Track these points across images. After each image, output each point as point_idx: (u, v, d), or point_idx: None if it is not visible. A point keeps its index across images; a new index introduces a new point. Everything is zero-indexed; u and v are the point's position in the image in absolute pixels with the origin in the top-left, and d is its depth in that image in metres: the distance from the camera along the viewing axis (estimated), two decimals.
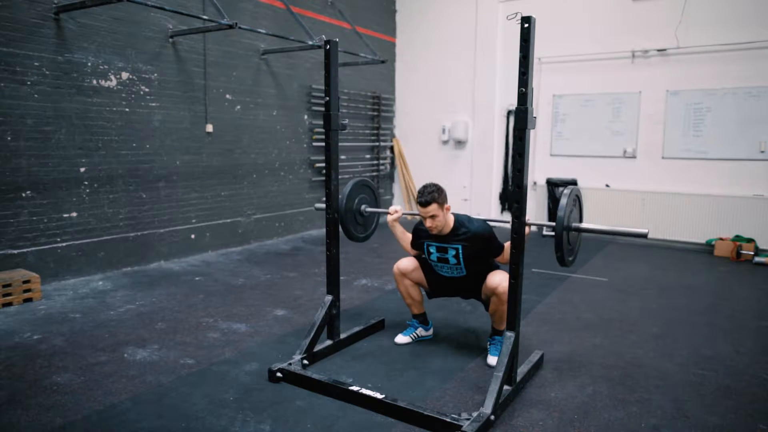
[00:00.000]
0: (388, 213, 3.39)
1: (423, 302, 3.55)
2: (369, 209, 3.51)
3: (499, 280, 3.07)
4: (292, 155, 7.16)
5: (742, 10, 6.31)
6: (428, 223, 3.09)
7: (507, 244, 3.01)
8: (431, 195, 3.03)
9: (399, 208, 3.39)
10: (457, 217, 3.20)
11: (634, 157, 7.14)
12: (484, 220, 3.22)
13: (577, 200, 2.80)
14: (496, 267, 3.29)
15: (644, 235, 2.64)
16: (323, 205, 3.33)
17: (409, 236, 3.43)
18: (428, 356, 3.31)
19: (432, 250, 3.25)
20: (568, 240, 2.70)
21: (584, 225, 2.79)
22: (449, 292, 3.44)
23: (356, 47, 7.52)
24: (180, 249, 5.81)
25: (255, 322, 3.89)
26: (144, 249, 5.46)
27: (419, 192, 3.07)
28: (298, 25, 6.40)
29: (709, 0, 6.49)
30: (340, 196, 3.33)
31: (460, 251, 3.15)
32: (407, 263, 3.41)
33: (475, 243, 3.13)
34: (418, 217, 3.16)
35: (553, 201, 7.52)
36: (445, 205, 3.10)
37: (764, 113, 6.28)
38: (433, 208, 3.03)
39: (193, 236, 5.94)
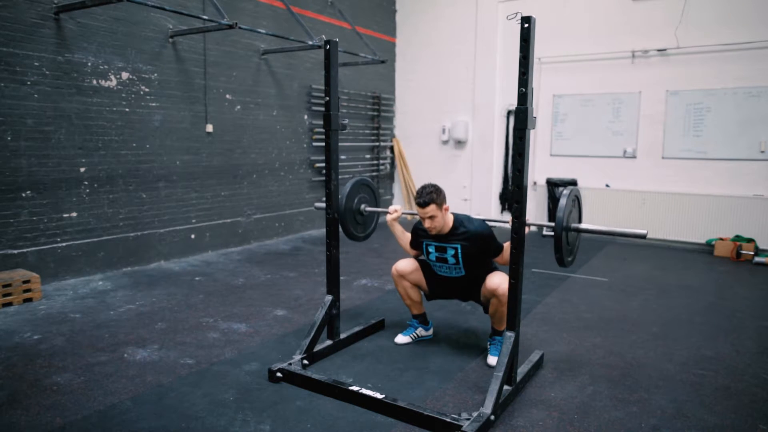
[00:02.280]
0: (387, 212, 3.38)
1: (423, 303, 3.55)
2: (369, 209, 3.51)
3: (498, 281, 3.07)
4: (292, 155, 7.16)
5: (742, 10, 6.32)
6: (427, 224, 3.09)
7: (506, 245, 3.01)
8: (429, 196, 3.03)
9: (398, 207, 3.38)
10: (456, 216, 3.20)
11: (634, 157, 7.14)
12: (483, 220, 3.22)
13: (577, 201, 2.80)
14: (495, 268, 3.29)
15: (643, 236, 2.64)
16: (323, 205, 3.33)
17: (409, 236, 3.44)
18: (428, 356, 3.31)
19: (431, 249, 3.25)
20: (567, 240, 2.70)
21: (583, 225, 2.78)
22: (448, 293, 3.44)
23: (356, 47, 7.52)
24: (180, 249, 5.81)
25: (255, 322, 3.89)
26: (144, 249, 5.46)
27: (417, 193, 3.08)
28: (298, 25, 6.41)
29: (709, 0, 6.49)
30: (339, 196, 3.33)
31: (459, 251, 3.15)
32: (405, 265, 3.40)
33: (474, 243, 3.13)
34: (417, 217, 3.17)
35: (553, 201, 7.52)
36: (444, 206, 3.10)
37: (764, 113, 6.28)
38: (431, 209, 3.04)
39: (193, 236, 5.94)
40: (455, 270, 3.24)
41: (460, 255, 3.16)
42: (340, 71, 7.40)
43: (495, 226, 3.44)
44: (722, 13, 6.42)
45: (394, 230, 3.45)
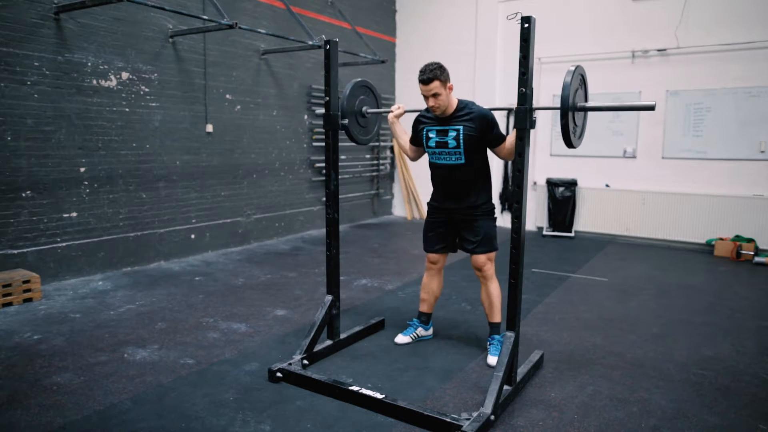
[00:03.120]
0: (389, 112, 3.31)
1: (435, 303, 3.56)
2: (370, 110, 3.44)
3: (483, 260, 3.18)
4: (292, 155, 7.16)
5: (742, 10, 6.31)
6: (431, 102, 3.01)
7: (510, 136, 2.91)
8: (433, 72, 2.94)
9: (402, 105, 3.32)
10: (460, 100, 3.14)
11: (634, 157, 7.14)
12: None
13: (582, 79, 2.64)
14: (489, 199, 3.26)
15: (652, 107, 2.43)
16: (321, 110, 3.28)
17: (409, 134, 3.38)
18: (428, 356, 3.31)
19: (432, 135, 3.16)
20: (574, 119, 2.56)
21: (590, 104, 2.64)
22: (449, 200, 3.27)
23: (356, 47, 7.52)
24: (180, 249, 5.81)
25: (255, 322, 3.89)
26: (144, 249, 5.46)
27: (421, 71, 2.97)
28: (298, 25, 6.41)
29: (709, 0, 6.49)
30: (340, 97, 3.25)
31: (461, 132, 3.05)
32: (432, 257, 3.41)
33: (477, 123, 3.03)
34: (422, 95, 3.06)
35: (553, 201, 7.53)
36: (448, 84, 3.01)
37: (764, 113, 6.28)
38: (435, 85, 2.95)
39: (193, 236, 5.94)
40: (455, 156, 3.11)
41: (462, 137, 3.05)
42: (340, 71, 7.38)
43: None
44: (722, 13, 6.42)
45: (394, 129, 3.37)
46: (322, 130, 3.68)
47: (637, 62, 7.01)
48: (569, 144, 2.55)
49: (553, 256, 6.25)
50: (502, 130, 8.04)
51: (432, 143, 3.18)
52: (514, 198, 2.64)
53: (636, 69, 7.01)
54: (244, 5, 6.25)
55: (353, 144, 8.06)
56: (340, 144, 3.29)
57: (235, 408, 2.65)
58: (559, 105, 2.46)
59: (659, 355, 3.36)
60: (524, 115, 2.54)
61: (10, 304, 4.12)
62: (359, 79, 3.41)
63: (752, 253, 6.04)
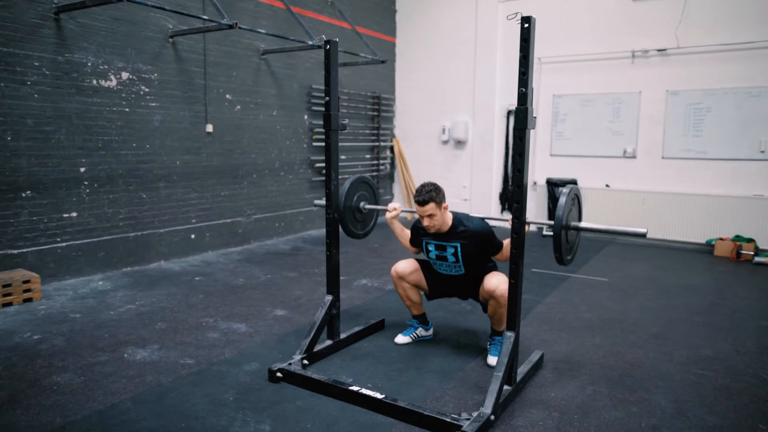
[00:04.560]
0: (386, 210, 3.38)
1: (422, 303, 3.54)
2: (368, 206, 3.50)
3: (496, 283, 3.06)
4: (292, 155, 7.16)
5: (742, 10, 6.31)
6: (426, 222, 3.09)
7: (506, 242, 3.01)
8: (429, 194, 3.03)
9: (398, 205, 3.37)
10: (455, 215, 3.20)
11: (634, 157, 7.14)
12: (483, 218, 3.22)
13: (576, 199, 2.80)
14: (495, 266, 3.29)
15: (643, 235, 2.64)
16: (322, 203, 3.33)
17: (408, 233, 3.43)
18: (428, 356, 3.31)
19: (431, 248, 3.25)
20: (566, 239, 2.70)
21: (583, 224, 2.78)
22: (448, 292, 3.44)
23: (356, 47, 7.52)
24: (180, 249, 5.81)
25: (255, 322, 3.89)
26: (144, 249, 5.46)
27: (417, 191, 3.08)
28: (298, 25, 6.41)
29: (709, 0, 6.49)
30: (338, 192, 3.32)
31: (459, 249, 3.15)
32: (405, 266, 3.40)
33: (474, 241, 3.13)
34: (417, 215, 3.16)
35: (553, 201, 7.52)
36: (443, 204, 3.10)
37: (764, 113, 6.28)
38: (430, 207, 3.04)
39: (193, 236, 5.94)
40: (455, 268, 3.24)
41: (460, 253, 3.16)
42: (340, 71, 7.41)
43: (495, 226, 3.44)
44: (722, 13, 6.42)
45: (393, 228, 3.44)
46: (322, 130, 3.68)
47: (637, 62, 7.01)
48: (561, 261, 2.69)
49: (553, 256, 6.23)
50: (502, 130, 8.10)
51: (432, 255, 3.29)
52: (514, 198, 2.64)
53: (636, 69, 7.01)
54: (244, 5, 6.25)
55: (353, 144, 8.16)
56: (340, 144, 3.29)
57: (235, 408, 2.65)
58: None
59: (659, 355, 3.36)
60: (524, 115, 2.54)
61: (10, 304, 4.12)
62: (358, 176, 3.48)
63: (752, 253, 6.04)
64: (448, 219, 3.17)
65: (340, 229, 3.34)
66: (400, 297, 3.51)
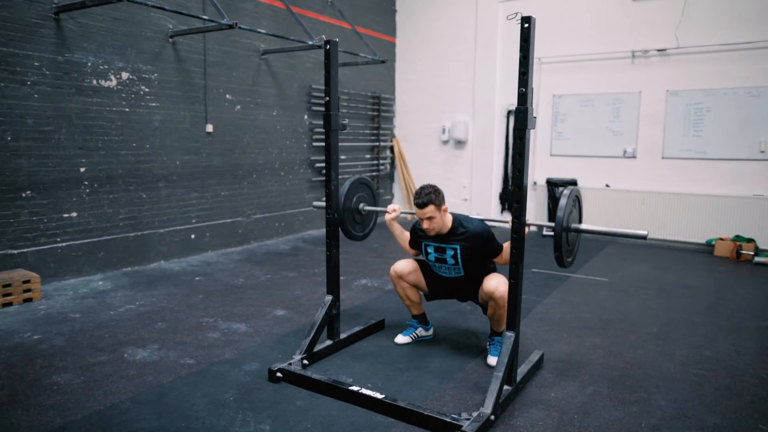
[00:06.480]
0: (386, 212, 3.38)
1: (422, 303, 3.54)
2: (367, 208, 3.50)
3: (495, 284, 3.05)
4: (292, 155, 7.16)
5: (742, 10, 6.32)
6: (425, 225, 3.09)
7: (506, 245, 3.00)
8: (428, 197, 3.02)
9: (397, 207, 3.37)
10: (455, 217, 3.20)
11: (634, 157, 7.14)
12: (482, 220, 3.22)
13: (577, 201, 2.80)
14: (494, 268, 3.28)
15: (644, 237, 2.64)
16: (322, 204, 3.33)
17: (408, 235, 3.43)
18: (428, 356, 3.31)
19: (430, 250, 3.25)
20: (567, 240, 2.70)
21: (583, 226, 2.78)
22: (447, 293, 3.44)
23: (356, 47, 7.52)
24: (180, 249, 5.81)
25: (255, 322, 3.89)
26: (144, 249, 5.46)
27: (416, 194, 3.07)
28: (298, 25, 6.41)
29: (709, 0, 6.49)
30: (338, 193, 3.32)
31: (459, 251, 3.15)
32: (404, 265, 3.40)
33: (474, 243, 3.13)
34: (417, 217, 3.16)
35: (553, 201, 7.52)
36: (443, 207, 3.09)
37: (764, 113, 6.28)
38: (430, 209, 3.03)
39: (193, 236, 5.94)
40: (454, 270, 3.24)
41: (459, 256, 3.15)
42: (340, 71, 7.41)
43: (494, 226, 3.43)
44: (722, 13, 6.42)
45: (392, 230, 3.44)
46: (322, 130, 3.68)
47: (637, 62, 7.01)
48: (561, 263, 2.70)
49: (553, 256, 6.23)
50: (502, 130, 8.10)
51: (431, 257, 3.28)
52: (514, 198, 2.64)
53: (636, 69, 7.01)
54: (244, 5, 6.25)
55: (353, 144, 8.16)
56: (340, 144, 3.29)
57: (235, 408, 2.65)
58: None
59: (659, 355, 3.36)
60: (524, 115, 2.54)
61: (10, 304, 4.12)
62: (357, 177, 3.48)
63: (752, 253, 6.04)
64: (448, 221, 3.17)
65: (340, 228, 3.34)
66: (399, 296, 3.51)
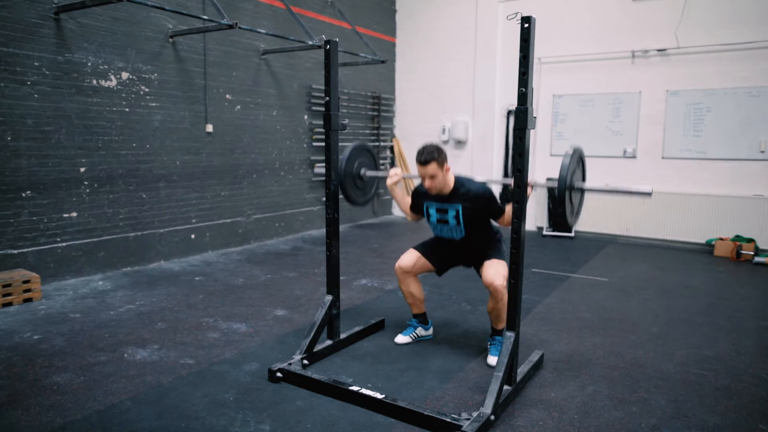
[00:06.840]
0: (387, 176, 3.33)
1: (424, 302, 3.54)
2: (369, 173, 3.46)
3: (493, 274, 3.06)
4: (292, 155, 7.16)
5: (742, 10, 6.32)
6: (427, 183, 3.06)
7: (508, 207, 2.96)
8: (431, 154, 3.00)
9: (398, 170, 3.33)
10: (457, 177, 3.18)
11: (634, 157, 7.14)
12: (485, 182, 3.19)
13: (581, 160, 2.73)
14: (496, 231, 3.28)
15: (648, 193, 2.55)
16: (322, 170, 3.29)
17: (409, 200, 3.41)
18: (428, 356, 3.31)
19: (432, 212, 3.23)
20: (570, 199, 2.65)
21: (587, 185, 2.74)
22: (452, 260, 3.40)
23: (356, 47, 7.52)
24: (180, 249, 5.81)
25: (255, 322, 3.89)
26: (144, 249, 5.46)
27: (419, 152, 3.04)
28: (298, 25, 6.41)
29: (709, 0, 6.49)
30: (339, 159, 3.29)
31: (460, 211, 3.12)
32: (408, 258, 3.38)
33: (475, 203, 3.11)
34: (418, 181, 3.14)
35: (553, 201, 7.52)
36: (445, 165, 3.06)
37: (764, 113, 6.28)
38: (432, 167, 3.01)
39: (193, 236, 5.94)
40: (456, 231, 3.21)
41: (461, 215, 3.13)
42: (340, 71, 7.41)
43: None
44: (722, 13, 6.42)
45: (394, 194, 3.40)
46: (322, 130, 3.67)
47: (637, 62, 7.01)
48: (565, 223, 2.67)
49: (553, 256, 6.25)
50: (502, 130, 8.10)
51: (433, 219, 3.26)
52: (514, 198, 2.64)
53: (636, 69, 7.01)
54: (244, 5, 6.25)
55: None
56: (340, 144, 3.29)
57: (235, 408, 2.65)
58: (557, 178, 2.55)
59: (659, 355, 3.36)
60: (524, 115, 2.54)
61: (10, 304, 4.12)
62: (358, 143, 3.46)
63: (752, 253, 6.04)
64: (450, 181, 3.14)
65: (340, 228, 3.33)
66: (402, 294, 3.50)
